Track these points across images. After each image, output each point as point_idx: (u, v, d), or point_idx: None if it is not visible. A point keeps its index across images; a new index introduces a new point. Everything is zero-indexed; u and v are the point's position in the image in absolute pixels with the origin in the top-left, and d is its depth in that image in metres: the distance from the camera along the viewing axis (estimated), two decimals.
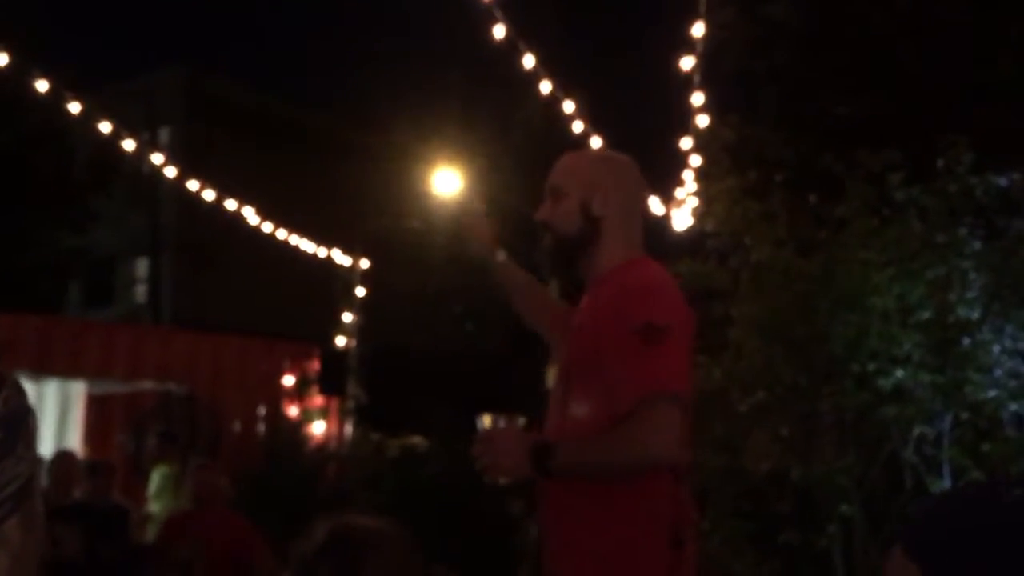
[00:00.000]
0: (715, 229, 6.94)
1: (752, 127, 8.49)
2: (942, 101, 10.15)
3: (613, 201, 2.43)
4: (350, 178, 21.25)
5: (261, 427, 10.39)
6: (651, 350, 2.19)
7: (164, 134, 23.28)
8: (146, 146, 11.37)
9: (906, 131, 8.28)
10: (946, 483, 5.78)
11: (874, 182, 6.24)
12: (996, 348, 5.89)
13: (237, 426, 10.27)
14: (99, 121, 8.43)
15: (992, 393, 5.85)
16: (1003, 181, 6.15)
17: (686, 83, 7.31)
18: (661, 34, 8.79)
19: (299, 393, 10.60)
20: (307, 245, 11.32)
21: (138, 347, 10.09)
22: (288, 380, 10.56)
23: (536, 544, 2.49)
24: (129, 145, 8.95)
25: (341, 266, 11.52)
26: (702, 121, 7.45)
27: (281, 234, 10.95)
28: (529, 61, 7.05)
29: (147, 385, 9.97)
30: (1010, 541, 1.15)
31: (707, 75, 7.33)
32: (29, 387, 1.00)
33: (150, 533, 7.72)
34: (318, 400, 10.71)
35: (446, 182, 15.77)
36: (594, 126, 7.50)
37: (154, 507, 8.78)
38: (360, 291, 11.44)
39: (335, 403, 10.98)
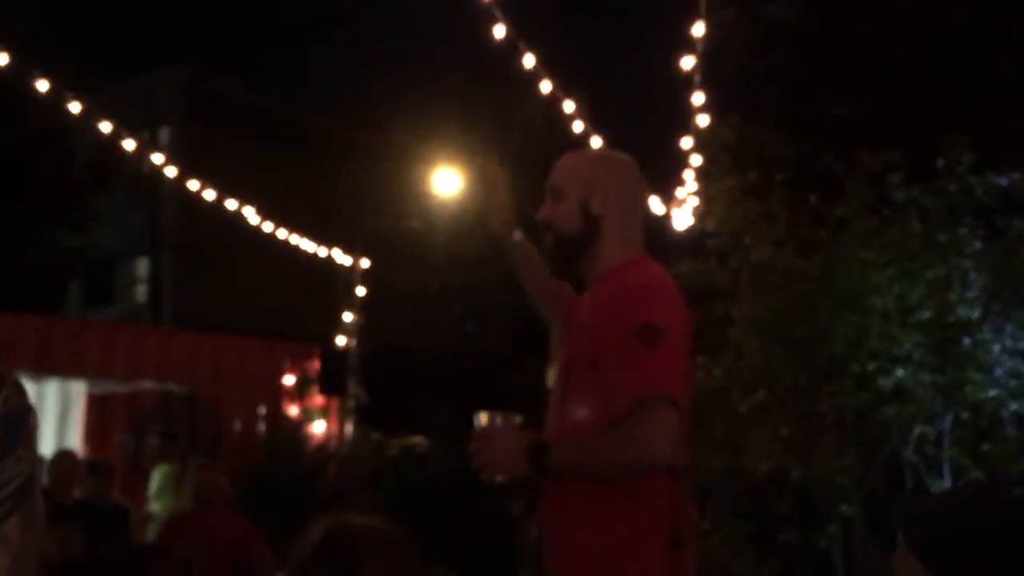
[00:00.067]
0: (715, 229, 6.94)
1: (752, 127, 8.49)
2: (942, 101, 10.14)
3: (613, 201, 2.43)
4: (350, 178, 21.26)
5: (261, 427, 10.39)
6: (649, 351, 2.19)
7: (164, 134, 23.29)
8: (146, 146, 11.37)
9: (906, 131, 8.28)
10: (946, 483, 5.78)
11: (874, 182, 6.25)
12: (996, 348, 5.90)
13: (237, 426, 10.28)
14: (99, 121, 8.43)
15: (992, 393, 5.85)
16: (1003, 181, 6.15)
17: (686, 83, 7.31)
18: (661, 34, 8.79)
19: (299, 393, 10.60)
20: (307, 245, 11.32)
21: (138, 347, 10.10)
22: (288, 380, 10.57)
23: (536, 544, 2.49)
24: (129, 145, 8.95)
25: (341, 266, 11.52)
26: (702, 121, 7.45)
27: (281, 234, 10.95)
28: (529, 61, 7.05)
29: (147, 385, 9.98)
30: (1014, 539, 1.15)
31: (707, 75, 7.33)
32: (29, 387, 1.00)
33: (150, 533, 7.72)
34: (318, 400, 10.71)
35: (446, 182, 15.80)
36: (594, 126, 7.50)
37: (154, 507, 8.78)
38: (360, 291, 11.45)
39: (335, 403, 10.99)
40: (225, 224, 10.68)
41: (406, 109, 19.61)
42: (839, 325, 6.05)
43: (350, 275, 11.51)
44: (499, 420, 2.30)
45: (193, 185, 9.68)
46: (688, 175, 7.76)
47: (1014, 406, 5.88)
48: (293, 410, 10.52)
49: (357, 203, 19.11)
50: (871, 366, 5.98)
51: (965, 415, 5.95)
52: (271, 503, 7.90)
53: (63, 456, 6.66)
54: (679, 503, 2.30)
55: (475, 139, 17.77)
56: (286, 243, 11.14)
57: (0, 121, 18.44)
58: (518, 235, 2.73)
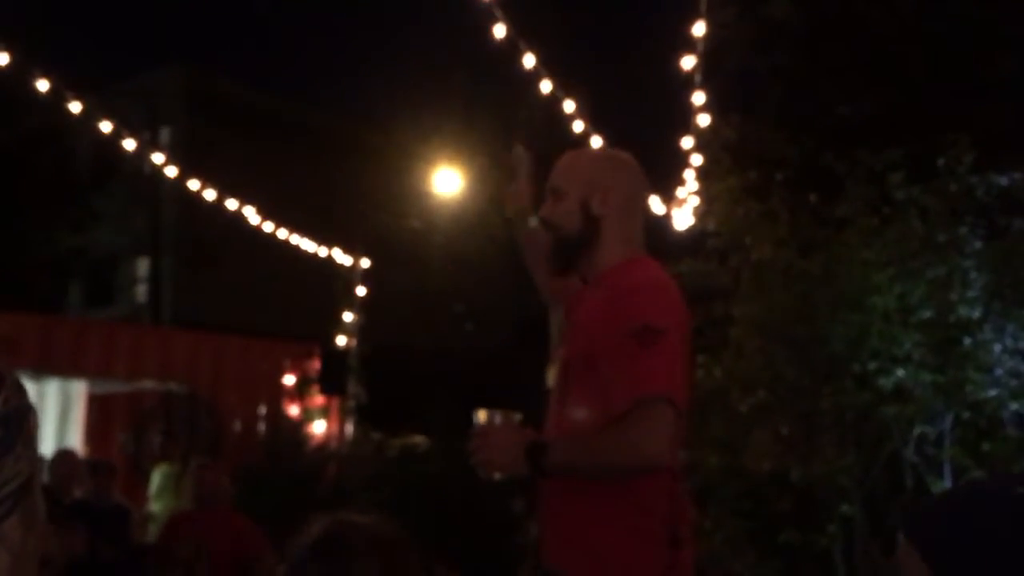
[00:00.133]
0: (716, 228, 6.94)
1: (753, 126, 8.49)
2: (943, 100, 10.15)
3: (613, 200, 2.42)
4: (351, 178, 21.27)
5: (262, 426, 10.39)
6: (647, 352, 2.19)
7: (165, 134, 23.29)
8: (147, 146, 11.38)
9: (907, 130, 8.28)
10: (947, 483, 5.79)
11: (875, 181, 6.25)
12: (997, 347, 5.90)
13: (238, 425, 10.28)
14: (100, 121, 8.43)
15: (993, 392, 5.85)
16: (1004, 180, 6.15)
17: (687, 82, 7.30)
18: (662, 33, 8.78)
19: (300, 392, 10.60)
20: (308, 244, 11.32)
21: (139, 347, 10.10)
22: (289, 379, 10.57)
23: (536, 542, 2.49)
24: (130, 145, 8.94)
25: (342, 265, 11.51)
26: (703, 120, 7.45)
27: (282, 234, 10.95)
28: (530, 60, 7.05)
29: (148, 385, 9.97)
30: (1017, 537, 1.15)
31: (708, 74, 7.32)
32: (30, 386, 1.00)
33: (151, 533, 7.72)
34: (319, 399, 10.71)
35: (447, 182, 15.80)
36: (595, 125, 7.49)
37: (155, 507, 8.78)
38: (361, 290, 11.44)
39: (336, 402, 10.99)
40: (225, 224, 10.68)
41: (406, 109, 19.58)
42: (840, 325, 6.05)
43: (350, 275, 11.50)
44: (498, 418, 2.31)
45: (193, 185, 9.67)
46: (689, 175, 7.75)
47: (1014, 406, 5.88)
48: (293, 410, 10.52)
49: (357, 203, 19.14)
50: (872, 366, 5.98)
51: (966, 415, 5.95)
52: (271, 503, 7.90)
53: (63, 456, 6.65)
54: (677, 502, 2.30)
55: (476, 138, 17.77)
56: (286, 243, 11.13)
57: (0, 121, 18.45)
58: (533, 221, 2.73)
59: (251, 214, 10.34)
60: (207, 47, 45.05)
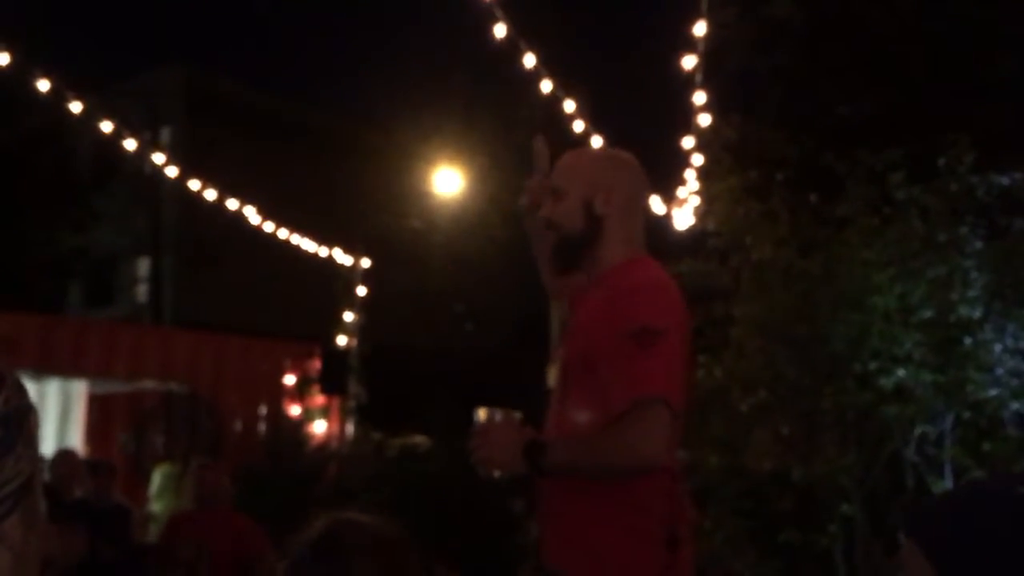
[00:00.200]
0: (716, 228, 6.94)
1: (753, 126, 8.49)
2: (943, 100, 10.15)
3: (615, 200, 2.43)
4: (351, 177, 21.27)
5: (262, 426, 10.40)
6: (645, 353, 2.19)
7: (165, 134, 23.30)
8: (147, 146, 11.38)
9: (907, 130, 8.28)
10: (948, 482, 5.78)
11: (875, 181, 6.25)
12: (998, 347, 5.89)
13: (238, 425, 10.28)
14: (100, 121, 8.43)
15: (994, 392, 5.85)
16: (1004, 180, 6.15)
17: (688, 82, 7.31)
18: (663, 33, 8.78)
19: (300, 392, 10.60)
20: (308, 244, 11.32)
21: (139, 346, 10.10)
22: (289, 379, 10.57)
23: (536, 543, 2.49)
24: (130, 145, 8.95)
25: (342, 265, 11.51)
26: (704, 120, 7.45)
27: (282, 233, 10.95)
28: (530, 60, 7.05)
29: (148, 384, 9.98)
30: (1019, 536, 1.16)
31: (709, 74, 7.32)
32: (30, 386, 1.00)
33: (152, 533, 7.72)
34: (319, 399, 10.71)
35: (447, 182, 15.81)
36: (595, 125, 7.50)
37: (155, 507, 8.78)
38: (361, 290, 11.44)
39: (336, 402, 10.99)
40: (226, 224, 10.68)
41: (407, 109, 19.58)
42: (840, 324, 6.05)
43: (351, 275, 11.51)
44: (499, 416, 2.31)
45: (194, 185, 9.68)
46: (689, 174, 7.76)
47: (1015, 405, 5.88)
48: (294, 410, 10.52)
49: (358, 203, 19.14)
50: (872, 365, 5.98)
51: (966, 414, 5.95)
52: (272, 502, 7.90)
53: (64, 455, 6.66)
54: (676, 502, 2.30)
55: (476, 138, 17.77)
56: (287, 243, 11.14)
57: (1, 121, 18.46)
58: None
59: (252, 214, 10.34)
60: (207, 47, 45.08)
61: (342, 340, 11.29)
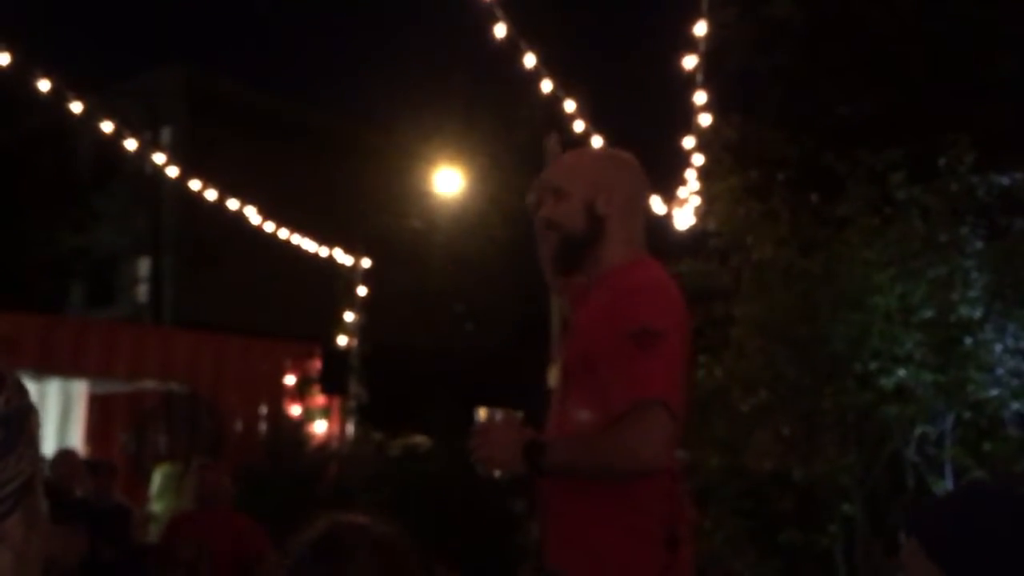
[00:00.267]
0: (717, 228, 6.94)
1: (754, 126, 8.49)
2: (943, 100, 10.15)
3: (616, 200, 2.43)
4: (352, 177, 21.28)
5: (263, 426, 10.40)
6: (645, 354, 2.19)
7: (166, 134, 23.30)
8: (148, 146, 11.37)
9: (908, 130, 8.28)
10: (948, 482, 5.79)
11: (876, 181, 6.25)
12: (998, 347, 5.90)
13: (239, 425, 10.28)
14: (101, 121, 8.43)
15: (994, 392, 5.86)
16: (1005, 180, 6.15)
17: (688, 82, 7.30)
18: (663, 33, 8.78)
19: (301, 392, 10.60)
20: (309, 244, 11.32)
21: (140, 346, 10.10)
22: (290, 379, 10.57)
23: (537, 543, 2.49)
24: (131, 145, 8.95)
25: (343, 265, 11.52)
26: (704, 120, 7.45)
27: (283, 233, 10.95)
28: (530, 60, 7.05)
29: (149, 384, 9.98)
30: (1021, 535, 1.16)
31: (709, 74, 7.32)
32: (31, 386, 1.00)
33: (152, 533, 7.72)
34: (320, 399, 10.71)
35: (447, 181, 15.81)
36: (596, 125, 7.50)
37: (156, 507, 8.78)
38: (362, 290, 11.44)
39: (337, 402, 10.99)
40: (226, 224, 10.68)
41: (407, 109, 19.60)
42: (841, 324, 6.05)
43: (351, 275, 11.51)
44: (499, 416, 2.32)
45: (195, 185, 9.68)
46: (690, 174, 7.76)
47: (1016, 405, 5.88)
48: (294, 410, 10.52)
49: (358, 203, 19.14)
50: (873, 365, 5.98)
51: (967, 414, 5.95)
52: (273, 502, 7.90)
53: (64, 455, 6.66)
54: (676, 502, 2.31)
55: (477, 138, 17.78)
56: (287, 243, 11.14)
57: (2, 121, 18.46)
58: None
59: (252, 214, 10.34)
60: (207, 47, 45.08)
61: (342, 340, 11.30)
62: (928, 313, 5.94)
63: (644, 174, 2.52)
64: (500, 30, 6.72)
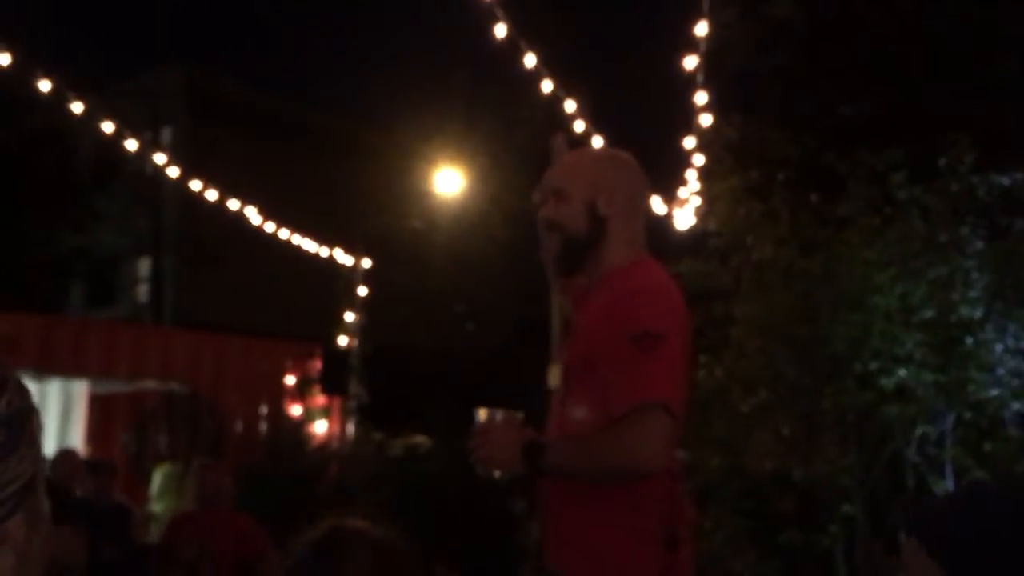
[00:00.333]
0: (717, 228, 6.94)
1: (754, 126, 8.50)
2: (943, 100, 10.15)
3: (617, 200, 2.43)
4: (352, 177, 21.27)
5: (263, 426, 10.40)
6: (646, 357, 2.20)
7: (166, 134, 23.30)
8: (148, 146, 11.38)
9: (908, 130, 8.28)
10: (948, 483, 5.79)
11: (876, 181, 6.25)
12: (999, 347, 5.90)
13: (239, 426, 10.28)
14: (101, 121, 8.44)
15: (995, 392, 5.86)
16: (1005, 180, 6.16)
17: (689, 82, 7.31)
18: (664, 33, 8.78)
19: (301, 392, 10.60)
20: (309, 244, 11.32)
21: (140, 346, 10.10)
22: (290, 379, 10.57)
23: (537, 543, 2.49)
24: (131, 145, 8.95)
25: (343, 265, 11.52)
26: (705, 120, 7.45)
27: (283, 234, 10.95)
28: (531, 60, 7.05)
29: (149, 384, 9.98)
30: (1020, 534, 1.17)
31: (710, 74, 7.32)
32: (31, 386, 1.00)
33: (153, 533, 7.72)
34: (320, 399, 10.71)
35: (448, 181, 15.81)
36: (596, 125, 7.50)
37: (156, 507, 8.78)
38: (362, 290, 11.45)
39: (337, 402, 10.99)
40: (227, 224, 10.68)
41: (407, 109, 19.58)
42: (841, 324, 6.05)
43: (352, 275, 11.51)
44: (499, 416, 2.32)
45: (195, 185, 9.68)
46: (690, 174, 7.76)
47: (1016, 406, 5.88)
48: (295, 410, 10.52)
49: (358, 203, 19.13)
50: (873, 365, 5.98)
51: (967, 415, 5.95)
52: (273, 502, 7.90)
53: (64, 455, 6.66)
54: (676, 502, 2.31)
55: (477, 138, 17.78)
56: (288, 243, 11.14)
57: (2, 121, 18.46)
58: None
59: (253, 214, 10.35)
60: (208, 47, 45.11)
61: (343, 340, 11.30)
62: (929, 313, 5.94)
63: (644, 174, 2.52)
64: (500, 30, 6.73)
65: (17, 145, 18.91)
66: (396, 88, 31.48)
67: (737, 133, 7.51)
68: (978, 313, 5.93)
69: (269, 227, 10.70)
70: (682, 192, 7.91)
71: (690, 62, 7.13)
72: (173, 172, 9.90)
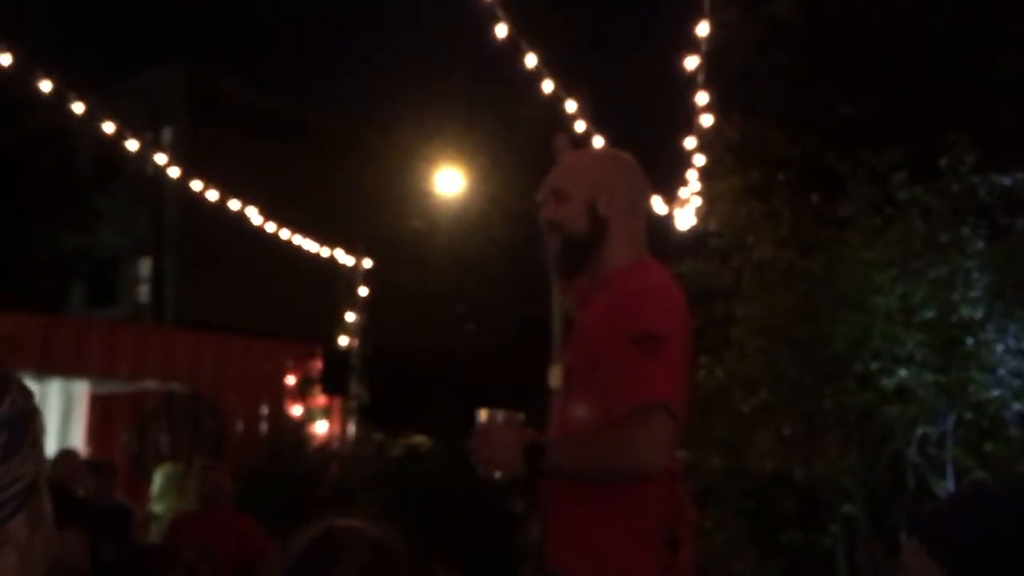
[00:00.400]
0: (718, 228, 6.94)
1: (755, 126, 8.50)
2: (945, 100, 10.15)
3: (618, 201, 2.43)
4: (352, 177, 21.27)
5: (264, 427, 10.40)
6: (648, 358, 2.20)
7: (167, 134, 23.31)
8: (149, 146, 11.38)
9: (909, 130, 8.28)
10: (949, 483, 5.78)
11: (877, 181, 6.25)
12: (999, 347, 5.89)
13: (240, 426, 10.28)
14: (102, 121, 8.44)
15: (995, 392, 5.85)
16: (1006, 180, 6.15)
17: (690, 82, 7.30)
18: (665, 33, 8.78)
19: (302, 392, 10.61)
20: (310, 245, 11.32)
21: (141, 347, 10.10)
22: (291, 380, 10.57)
23: (538, 543, 2.50)
24: (132, 145, 8.95)
25: (344, 266, 11.52)
26: (706, 120, 7.45)
27: (284, 234, 10.95)
28: (531, 60, 7.05)
29: (150, 385, 9.98)
30: (1020, 535, 1.17)
31: (711, 74, 7.32)
32: (32, 386, 1.01)
33: (154, 533, 7.72)
34: (321, 399, 10.72)
35: (449, 182, 15.81)
36: (597, 125, 7.50)
37: (157, 507, 8.78)
38: (363, 291, 11.45)
39: (338, 402, 10.99)
40: (228, 224, 10.68)
41: (408, 109, 19.58)
42: (842, 325, 6.05)
43: (352, 275, 11.51)
44: (500, 417, 2.32)
45: (196, 185, 9.68)
46: (691, 175, 7.76)
47: (1017, 406, 5.88)
48: (296, 410, 10.53)
49: (359, 203, 19.13)
50: (874, 366, 5.98)
51: (968, 415, 5.95)
52: (273, 502, 7.90)
53: (65, 455, 6.65)
54: (677, 503, 2.31)
55: (478, 138, 17.78)
56: (289, 243, 11.14)
57: (3, 121, 18.47)
58: None
59: (253, 214, 10.35)
60: (208, 47, 45.11)
61: (344, 340, 11.30)
62: (929, 313, 5.94)
63: (645, 175, 2.52)
64: (501, 30, 6.72)
65: (18, 145, 18.92)
66: (396, 88, 31.48)
67: (738, 133, 7.50)
68: (979, 313, 5.93)
69: (270, 227, 10.70)
70: (683, 192, 7.91)
71: (691, 62, 7.13)
72: (174, 172, 9.90)
